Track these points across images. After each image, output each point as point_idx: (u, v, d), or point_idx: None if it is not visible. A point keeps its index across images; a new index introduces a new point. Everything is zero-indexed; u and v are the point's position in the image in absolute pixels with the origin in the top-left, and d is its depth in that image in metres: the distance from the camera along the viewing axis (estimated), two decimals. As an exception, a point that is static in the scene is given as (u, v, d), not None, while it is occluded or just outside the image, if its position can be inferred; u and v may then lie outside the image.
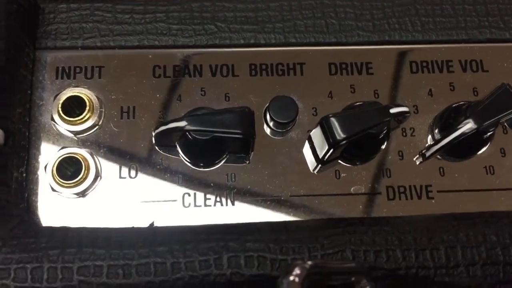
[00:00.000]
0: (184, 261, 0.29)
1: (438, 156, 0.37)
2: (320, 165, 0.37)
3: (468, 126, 0.34)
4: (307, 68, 0.39)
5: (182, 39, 0.39)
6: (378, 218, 0.33)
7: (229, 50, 0.39)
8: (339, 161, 0.37)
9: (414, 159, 0.37)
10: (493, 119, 0.34)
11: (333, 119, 0.34)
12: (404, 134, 0.38)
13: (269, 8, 0.40)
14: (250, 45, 0.40)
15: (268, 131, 0.38)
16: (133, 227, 0.33)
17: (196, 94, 0.38)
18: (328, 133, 0.34)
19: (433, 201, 0.36)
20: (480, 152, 0.38)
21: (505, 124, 0.38)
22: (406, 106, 0.36)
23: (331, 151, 0.34)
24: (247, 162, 0.37)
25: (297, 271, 0.23)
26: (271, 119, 0.36)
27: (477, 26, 0.41)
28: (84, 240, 0.30)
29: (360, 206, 0.36)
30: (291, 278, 0.23)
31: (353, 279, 0.27)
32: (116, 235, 0.30)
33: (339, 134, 0.33)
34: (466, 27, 0.40)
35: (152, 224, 0.33)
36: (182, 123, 0.33)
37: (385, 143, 0.37)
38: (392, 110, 0.34)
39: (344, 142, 0.33)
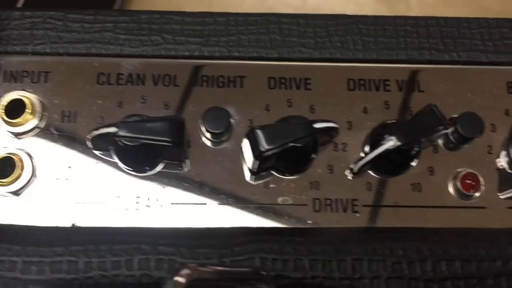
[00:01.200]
0: (96, 261, 0.31)
1: (371, 172, 0.39)
2: (252, 176, 0.38)
3: (390, 143, 0.36)
4: (247, 81, 0.40)
5: (128, 48, 0.41)
6: (293, 229, 0.34)
7: (173, 61, 0.41)
8: (273, 172, 0.38)
9: (345, 173, 0.38)
10: (415, 138, 0.35)
11: (258, 131, 0.35)
12: (335, 149, 0.39)
13: (216, 23, 0.42)
14: (194, 57, 0.41)
15: (204, 140, 0.39)
16: (56, 226, 0.35)
17: (137, 101, 0.39)
18: (253, 145, 0.35)
19: (358, 214, 0.37)
20: (409, 170, 0.39)
21: (439, 142, 0.39)
22: (333, 122, 0.37)
23: (257, 162, 0.36)
24: (181, 169, 0.38)
25: (185, 271, 0.24)
26: (205, 129, 0.38)
27: (417, 48, 0.42)
28: (3, 237, 0.31)
29: (285, 217, 0.37)
30: (177, 278, 0.24)
31: (258, 286, 0.28)
32: (36, 233, 0.32)
33: (263, 146, 0.35)
34: (407, 48, 0.42)
35: (73, 224, 0.35)
36: (113, 129, 0.35)
37: (315, 157, 0.38)
38: (316, 125, 0.36)
39: (268, 153, 0.35)
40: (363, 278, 0.31)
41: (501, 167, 0.39)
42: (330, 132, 0.38)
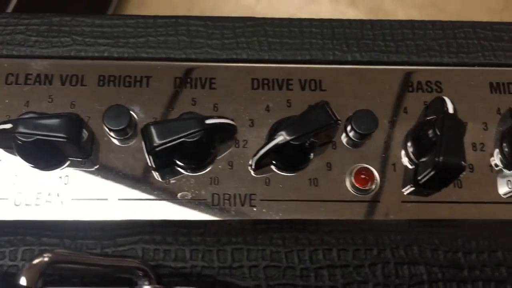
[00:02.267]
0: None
1: (273, 168, 0.40)
2: (154, 172, 0.39)
3: (280, 138, 0.37)
4: (153, 81, 0.42)
5: (38, 50, 0.42)
6: (181, 221, 0.35)
7: (81, 62, 0.42)
8: (177, 167, 0.39)
9: (245, 169, 0.40)
10: (303, 133, 0.37)
11: (150, 127, 0.36)
12: (237, 145, 0.40)
13: (126, 25, 0.43)
14: (104, 58, 0.42)
15: (110, 138, 0.40)
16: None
17: (44, 101, 0.40)
18: (146, 140, 0.36)
19: (254, 208, 0.38)
20: (308, 165, 0.40)
21: (342, 139, 0.40)
22: (226, 118, 0.38)
23: (151, 157, 0.37)
24: (86, 166, 0.39)
25: (40, 258, 0.25)
26: (106, 126, 0.39)
27: (321, 48, 0.43)
28: None
29: (184, 211, 0.38)
30: (33, 262, 0.25)
31: (140, 274, 0.29)
32: None
33: (155, 141, 0.36)
34: (311, 49, 0.43)
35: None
36: (8, 126, 0.36)
37: (215, 153, 0.39)
38: (208, 121, 0.37)
39: (159, 149, 0.36)
40: (242, 267, 0.32)
41: (402, 163, 0.40)
42: (227, 129, 0.39)
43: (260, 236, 0.33)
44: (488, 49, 0.43)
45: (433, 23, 0.44)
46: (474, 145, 0.40)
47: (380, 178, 0.39)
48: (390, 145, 0.40)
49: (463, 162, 0.35)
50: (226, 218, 0.37)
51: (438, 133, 0.36)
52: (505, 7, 1.38)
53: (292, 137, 0.36)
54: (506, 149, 0.38)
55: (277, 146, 0.37)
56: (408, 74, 0.42)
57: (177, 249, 0.32)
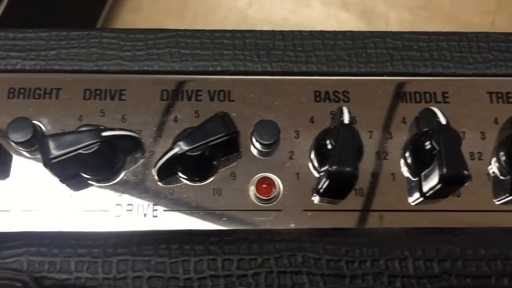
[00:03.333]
0: None
1: (181, 177, 0.40)
2: (60, 183, 0.39)
3: (176, 149, 0.37)
4: (63, 93, 0.42)
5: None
6: (71, 233, 0.36)
7: (-8, 75, 0.42)
8: (84, 179, 0.40)
9: (150, 179, 0.40)
10: (200, 144, 0.37)
11: (47, 139, 0.37)
12: (143, 156, 0.41)
13: (38, 37, 0.44)
14: (16, 71, 0.43)
15: (19, 150, 0.40)
16: None
17: (-50, 114, 0.41)
18: (42, 153, 0.37)
19: (156, 219, 0.39)
20: (214, 175, 0.40)
21: (252, 148, 0.41)
22: (125, 130, 0.39)
23: (48, 169, 0.37)
24: (-6, 178, 0.40)
25: None
26: (10, 139, 0.39)
27: (232, 59, 0.44)
28: None
29: (86, 222, 0.39)
30: None
31: (19, 285, 0.30)
32: None
33: (51, 153, 0.36)
34: (222, 60, 0.44)
35: None
36: None
37: (120, 164, 0.40)
38: (104, 133, 0.37)
39: (55, 161, 0.36)
40: (126, 278, 0.32)
41: (306, 172, 0.40)
42: (131, 140, 0.39)
43: (147, 247, 0.34)
44: (397, 59, 0.44)
45: (343, 33, 0.45)
46: (378, 154, 0.41)
47: (284, 187, 0.40)
48: (295, 154, 0.41)
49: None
50: (126, 230, 0.38)
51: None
52: (498, 8, 1.39)
53: (188, 148, 0.37)
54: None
55: (174, 157, 0.37)
56: (317, 84, 0.43)
57: (63, 260, 0.33)
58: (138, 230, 0.36)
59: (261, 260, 0.34)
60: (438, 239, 0.36)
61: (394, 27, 1.37)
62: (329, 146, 0.37)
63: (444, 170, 0.36)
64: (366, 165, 0.40)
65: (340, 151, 0.36)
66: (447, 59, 0.44)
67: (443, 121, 0.38)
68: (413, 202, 0.39)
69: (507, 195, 0.40)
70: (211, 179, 0.40)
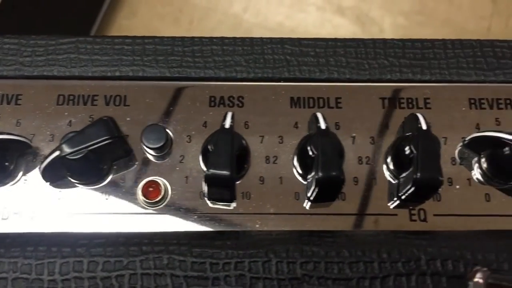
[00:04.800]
0: None
1: (74, 182, 0.41)
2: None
3: (56, 153, 0.38)
4: (-40, 98, 0.43)
5: None
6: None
7: None
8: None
9: (42, 183, 0.41)
10: (80, 148, 0.38)
11: None
12: (34, 160, 0.41)
13: None
14: None
15: None
16: None
17: None
18: None
19: (43, 222, 0.39)
20: (105, 179, 0.41)
21: (147, 152, 0.41)
22: (13, 134, 0.39)
23: None
24: None
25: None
26: None
27: (130, 65, 0.44)
28: None
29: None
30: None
31: None
32: None
33: None
34: (120, 65, 0.44)
35: None
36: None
37: (9, 168, 0.40)
38: (-13, 137, 0.38)
39: None
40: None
41: (194, 175, 0.41)
42: (20, 144, 0.40)
43: (14, 249, 0.34)
44: (293, 64, 0.44)
45: (243, 39, 0.45)
46: (267, 158, 0.41)
47: (172, 191, 0.40)
48: (186, 158, 0.42)
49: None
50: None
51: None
52: (494, 13, 1.39)
53: (69, 151, 0.38)
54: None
55: (55, 160, 0.38)
56: (212, 89, 0.44)
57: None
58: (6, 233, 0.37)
59: (126, 262, 0.35)
60: (304, 242, 0.37)
61: (389, 32, 1.37)
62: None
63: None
64: (256, 168, 0.41)
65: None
66: (342, 65, 0.45)
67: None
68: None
69: (395, 199, 0.40)
70: (103, 182, 0.41)
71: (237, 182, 0.40)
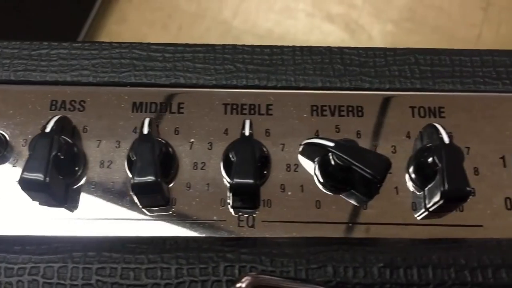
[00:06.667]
0: None
1: None
2: None
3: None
4: None
5: None
6: None
7: None
8: None
9: None
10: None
11: None
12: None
13: None
14: None
15: None
16: None
17: None
18: None
19: None
20: None
21: None
22: None
23: None
24: None
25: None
26: None
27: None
28: None
29: None
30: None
31: None
32: None
33: None
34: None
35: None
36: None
37: None
38: None
39: None
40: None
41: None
42: None
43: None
44: (140, 69, 0.44)
45: (91, 44, 0.45)
46: (102, 163, 0.41)
47: (1, 195, 0.40)
48: (19, 162, 0.41)
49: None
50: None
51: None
52: (485, 21, 1.39)
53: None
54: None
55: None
56: (55, 93, 0.44)
57: None
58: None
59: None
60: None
61: (378, 40, 1.36)
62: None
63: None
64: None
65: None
66: (189, 70, 0.45)
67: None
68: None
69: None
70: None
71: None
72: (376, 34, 1.38)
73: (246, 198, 0.39)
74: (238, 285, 0.28)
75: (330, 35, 1.39)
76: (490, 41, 1.36)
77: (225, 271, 0.35)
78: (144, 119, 0.40)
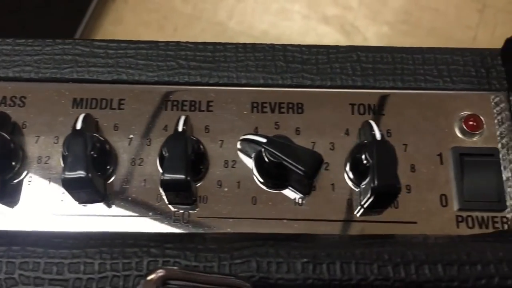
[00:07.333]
0: None
1: None
2: None
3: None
4: None
5: None
6: None
7: None
8: None
9: None
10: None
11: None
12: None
13: None
14: None
15: None
16: None
17: None
18: None
19: None
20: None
21: None
22: None
23: None
24: None
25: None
26: None
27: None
28: None
29: None
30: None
31: None
32: None
33: None
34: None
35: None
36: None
37: None
38: None
39: None
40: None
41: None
42: None
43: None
44: (82, 65, 0.44)
45: (34, 40, 0.45)
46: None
47: None
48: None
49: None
50: None
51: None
52: (480, 23, 1.38)
53: None
54: None
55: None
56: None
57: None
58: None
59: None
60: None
61: (373, 41, 1.36)
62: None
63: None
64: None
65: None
66: (132, 66, 0.45)
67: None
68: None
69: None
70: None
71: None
72: (371, 36, 1.37)
73: (180, 194, 0.39)
74: (149, 277, 0.28)
75: (326, 37, 1.38)
76: (486, 43, 1.35)
77: (148, 266, 0.35)
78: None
